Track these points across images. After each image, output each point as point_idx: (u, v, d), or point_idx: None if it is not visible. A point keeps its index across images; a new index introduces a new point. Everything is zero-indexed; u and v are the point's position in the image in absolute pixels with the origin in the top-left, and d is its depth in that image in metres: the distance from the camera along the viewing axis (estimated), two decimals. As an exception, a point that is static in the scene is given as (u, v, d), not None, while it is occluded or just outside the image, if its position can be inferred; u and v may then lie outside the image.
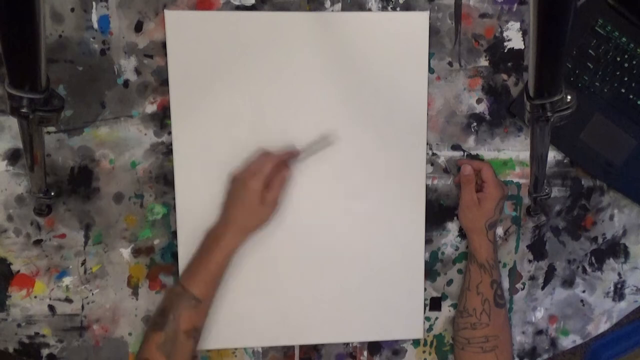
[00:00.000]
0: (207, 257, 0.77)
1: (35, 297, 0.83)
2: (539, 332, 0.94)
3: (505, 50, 0.86)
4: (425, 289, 0.89)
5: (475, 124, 0.87)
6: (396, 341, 0.90)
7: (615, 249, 0.93)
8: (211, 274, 0.76)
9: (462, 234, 0.89)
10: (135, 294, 0.85)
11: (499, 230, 0.90)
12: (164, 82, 0.81)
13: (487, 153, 0.88)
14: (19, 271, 0.82)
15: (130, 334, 0.85)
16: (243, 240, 0.79)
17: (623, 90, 0.87)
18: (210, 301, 0.78)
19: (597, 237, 0.93)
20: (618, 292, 0.95)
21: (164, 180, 0.83)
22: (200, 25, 0.80)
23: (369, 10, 0.83)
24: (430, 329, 0.91)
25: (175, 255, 0.84)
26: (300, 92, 0.82)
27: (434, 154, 0.87)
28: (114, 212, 0.83)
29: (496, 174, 0.85)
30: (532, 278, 0.92)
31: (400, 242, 0.87)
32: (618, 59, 0.87)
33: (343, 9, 0.82)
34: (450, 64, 0.85)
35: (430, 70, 0.85)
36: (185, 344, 0.74)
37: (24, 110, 0.57)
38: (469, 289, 0.84)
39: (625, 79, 0.87)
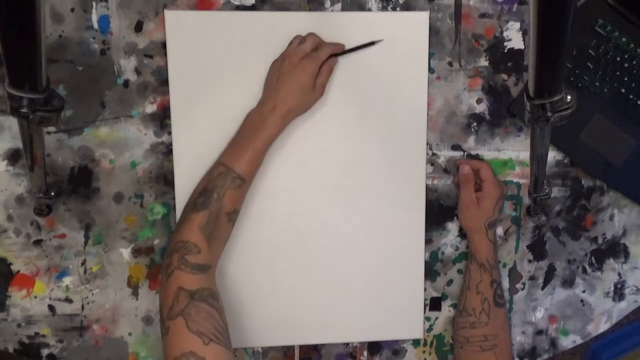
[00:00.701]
0: (253, 136, 0.75)
1: (35, 297, 0.83)
2: (539, 332, 0.94)
3: (505, 50, 0.86)
4: (425, 289, 0.89)
5: (475, 124, 0.87)
6: (396, 341, 0.90)
7: (615, 249, 0.93)
8: (255, 153, 0.75)
9: (462, 234, 0.89)
10: (135, 294, 0.85)
11: (499, 230, 0.90)
12: (164, 82, 0.81)
13: (487, 153, 0.88)
14: (19, 271, 0.82)
15: (130, 334, 0.85)
16: (287, 123, 0.78)
17: (623, 90, 0.87)
18: (250, 183, 0.76)
19: (597, 237, 0.93)
20: (618, 292, 0.95)
21: (164, 180, 0.83)
22: (201, 25, 0.80)
23: (369, 10, 0.83)
24: (430, 329, 0.91)
25: (175, 255, 0.84)
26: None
27: (434, 154, 0.87)
28: (114, 212, 0.83)
29: (495, 174, 0.85)
30: (532, 278, 0.92)
31: (400, 242, 0.87)
32: (618, 59, 0.87)
33: (343, 9, 0.82)
34: (450, 64, 0.85)
35: (430, 70, 0.85)
36: (225, 226, 0.73)
37: (24, 110, 0.57)
38: (469, 289, 0.84)
39: (625, 79, 0.87)
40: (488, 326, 0.83)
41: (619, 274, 0.94)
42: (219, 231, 0.72)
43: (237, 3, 0.81)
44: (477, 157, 0.88)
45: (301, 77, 0.76)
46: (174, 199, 0.83)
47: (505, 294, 0.90)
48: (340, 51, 0.81)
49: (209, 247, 0.70)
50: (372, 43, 0.82)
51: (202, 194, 0.73)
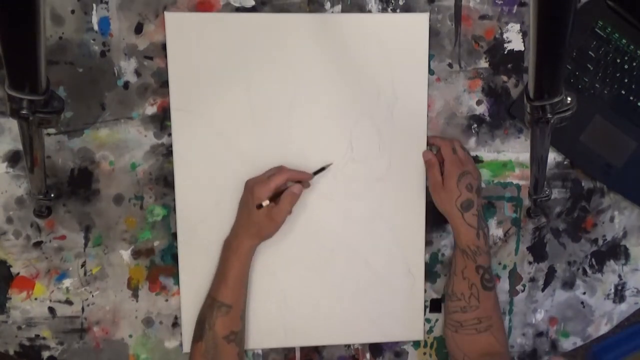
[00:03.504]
0: (226, 264, 0.80)
1: (36, 299, 0.83)
2: (540, 334, 0.93)
3: (505, 52, 0.86)
4: (425, 291, 0.89)
5: (475, 125, 0.87)
6: (397, 343, 0.90)
7: (615, 251, 0.93)
8: (233, 279, 0.79)
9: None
10: (135, 295, 0.85)
11: (499, 232, 0.90)
12: (164, 84, 0.81)
13: (487, 154, 0.88)
14: (18, 273, 0.82)
15: (130, 335, 0.85)
16: (255, 243, 0.81)
17: (623, 92, 0.87)
18: (241, 304, 0.81)
19: (597, 239, 0.92)
20: (618, 294, 0.95)
21: (164, 181, 0.83)
22: (200, 27, 0.80)
23: (369, 11, 0.83)
24: (430, 330, 0.91)
25: (175, 257, 0.84)
26: (301, 94, 0.82)
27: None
28: (114, 213, 0.83)
29: (456, 150, 0.83)
30: (532, 280, 0.92)
31: (401, 244, 0.87)
32: (618, 60, 0.87)
33: (343, 11, 0.82)
34: (450, 65, 0.85)
35: (430, 72, 0.85)
36: (226, 347, 0.78)
37: (24, 112, 0.57)
38: (455, 274, 0.83)
39: (626, 80, 0.87)
40: (479, 309, 0.81)
41: (620, 276, 0.94)
42: (222, 353, 0.78)
43: (237, 5, 0.81)
44: (476, 159, 0.88)
45: (252, 205, 0.78)
46: (174, 200, 0.83)
47: (494, 277, 0.87)
48: (304, 179, 0.81)
49: None
50: (322, 169, 0.83)
51: (198, 325, 0.80)
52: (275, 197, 0.78)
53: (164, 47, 0.80)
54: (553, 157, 0.89)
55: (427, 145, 0.86)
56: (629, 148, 0.89)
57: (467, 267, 0.82)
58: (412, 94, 0.84)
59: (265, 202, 0.77)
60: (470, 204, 0.81)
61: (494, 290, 0.84)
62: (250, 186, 0.79)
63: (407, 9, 0.83)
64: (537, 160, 0.73)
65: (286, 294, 0.86)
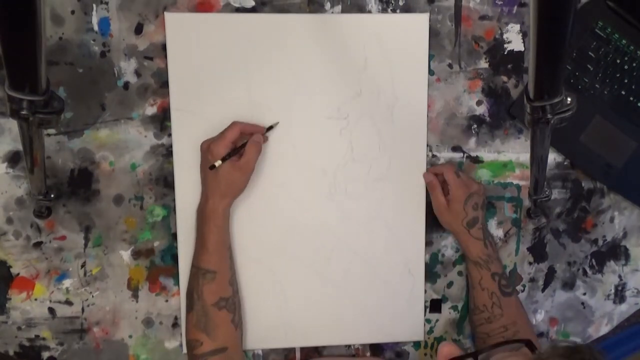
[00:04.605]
0: (203, 230, 0.78)
1: (36, 299, 0.83)
2: (540, 335, 0.93)
3: (505, 52, 0.86)
4: (425, 291, 0.89)
5: (475, 125, 0.87)
6: (397, 343, 0.90)
7: (615, 251, 0.93)
8: (214, 244, 0.78)
9: (463, 236, 0.89)
10: (135, 296, 0.85)
11: (499, 232, 0.90)
12: (164, 84, 0.81)
13: (487, 155, 0.88)
14: (18, 274, 0.82)
15: (130, 336, 0.85)
16: (228, 202, 0.79)
17: (623, 92, 0.87)
18: (226, 269, 0.80)
19: (597, 239, 0.92)
20: (619, 295, 0.95)
21: (164, 182, 0.83)
22: (200, 27, 0.80)
23: (369, 12, 0.83)
24: (430, 331, 0.91)
25: (175, 257, 0.84)
26: (301, 94, 0.82)
27: (434, 156, 0.87)
28: (114, 214, 0.83)
29: (459, 174, 0.83)
30: (533, 280, 0.92)
31: (401, 244, 0.87)
32: (618, 61, 0.87)
33: (343, 11, 0.82)
34: (450, 65, 0.85)
35: (430, 72, 0.85)
36: (218, 314, 0.78)
37: (24, 112, 0.57)
38: (473, 287, 0.84)
39: (625, 81, 0.87)
40: (503, 317, 0.82)
41: (620, 276, 0.94)
42: (214, 321, 0.78)
43: (237, 5, 0.81)
44: (477, 159, 0.88)
45: (210, 162, 0.76)
46: (174, 200, 0.83)
47: (511, 281, 0.89)
48: (256, 131, 0.80)
49: (210, 336, 0.77)
50: (271, 127, 0.82)
51: (187, 297, 0.80)
52: (232, 154, 0.77)
53: (164, 47, 0.80)
54: (553, 157, 0.89)
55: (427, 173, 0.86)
56: (629, 148, 0.89)
57: (483, 278, 0.83)
58: (412, 94, 0.84)
59: (218, 162, 0.76)
60: (475, 221, 0.83)
61: (515, 294, 0.85)
62: (206, 146, 0.77)
63: (407, 9, 0.83)
64: (537, 160, 0.73)
65: (286, 295, 0.86)
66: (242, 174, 0.78)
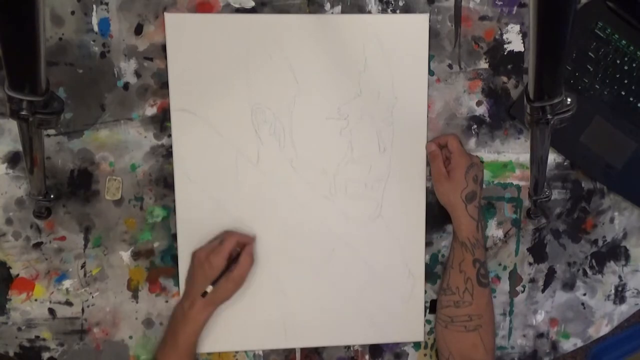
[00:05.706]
0: (177, 330, 0.80)
1: (35, 300, 0.83)
2: (540, 335, 0.93)
3: (505, 53, 0.86)
4: (425, 292, 0.89)
5: (475, 126, 0.87)
6: (397, 344, 0.90)
7: (615, 252, 0.93)
8: (183, 346, 0.79)
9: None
10: (135, 297, 0.85)
11: (499, 233, 0.90)
12: (164, 85, 0.81)
13: (487, 155, 0.88)
14: (18, 274, 0.82)
15: (130, 337, 0.85)
16: (210, 312, 0.81)
17: (623, 93, 0.87)
18: None
19: (597, 240, 0.92)
20: (619, 295, 0.95)
21: (164, 182, 0.83)
22: (200, 28, 0.80)
23: (369, 12, 0.83)
24: (431, 331, 0.91)
25: (175, 258, 0.84)
26: (301, 94, 0.82)
27: (434, 157, 0.87)
28: (114, 214, 0.83)
29: (462, 144, 0.84)
30: (533, 281, 0.92)
31: (401, 245, 0.87)
32: (618, 61, 0.87)
33: (343, 12, 0.83)
34: (450, 66, 0.85)
35: (430, 73, 0.85)
36: None
37: (23, 112, 0.57)
38: (452, 267, 0.83)
39: (625, 81, 0.87)
40: (472, 306, 0.82)
41: (620, 277, 0.94)
42: None
43: (236, 6, 0.81)
44: (477, 160, 0.88)
45: (208, 273, 0.78)
46: (173, 201, 0.83)
47: (489, 274, 0.87)
48: (248, 242, 0.81)
49: None
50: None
51: None
52: (224, 271, 0.79)
53: (163, 48, 0.80)
54: (553, 158, 0.89)
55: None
56: (629, 149, 0.89)
57: (465, 260, 0.82)
58: (412, 95, 0.84)
59: (209, 288, 0.78)
60: (474, 195, 0.82)
61: (488, 288, 0.84)
62: (204, 257, 0.79)
63: (407, 9, 0.83)
64: (537, 161, 0.73)
65: (287, 295, 0.86)
66: (234, 286, 0.80)
